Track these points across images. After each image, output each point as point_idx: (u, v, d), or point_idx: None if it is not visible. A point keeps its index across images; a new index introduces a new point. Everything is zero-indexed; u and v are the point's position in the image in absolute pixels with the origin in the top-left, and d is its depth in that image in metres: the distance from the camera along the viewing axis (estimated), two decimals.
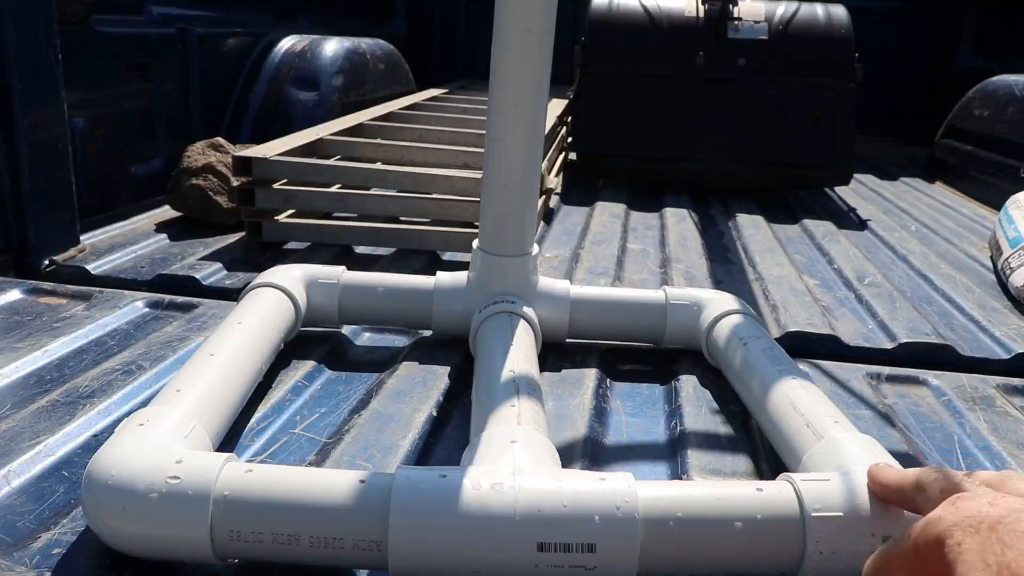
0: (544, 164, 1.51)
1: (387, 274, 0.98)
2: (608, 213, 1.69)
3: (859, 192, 2.14)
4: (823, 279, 1.32)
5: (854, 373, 0.95)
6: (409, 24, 3.11)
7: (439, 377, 0.87)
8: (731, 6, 1.96)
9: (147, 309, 1.02)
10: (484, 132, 0.87)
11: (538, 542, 0.51)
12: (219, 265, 1.19)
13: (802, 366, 0.94)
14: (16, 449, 0.68)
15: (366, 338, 1.00)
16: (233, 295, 1.06)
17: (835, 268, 1.38)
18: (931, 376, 0.95)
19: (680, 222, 1.65)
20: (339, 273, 0.95)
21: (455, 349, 0.93)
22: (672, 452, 0.76)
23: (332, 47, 1.96)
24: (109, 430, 0.69)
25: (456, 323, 0.93)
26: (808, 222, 1.71)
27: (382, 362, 0.92)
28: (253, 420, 0.76)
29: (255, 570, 0.56)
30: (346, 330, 0.99)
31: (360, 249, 1.32)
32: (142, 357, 0.87)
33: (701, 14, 1.97)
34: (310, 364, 0.89)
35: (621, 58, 1.98)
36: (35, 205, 1.15)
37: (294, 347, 0.91)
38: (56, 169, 1.18)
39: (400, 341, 0.98)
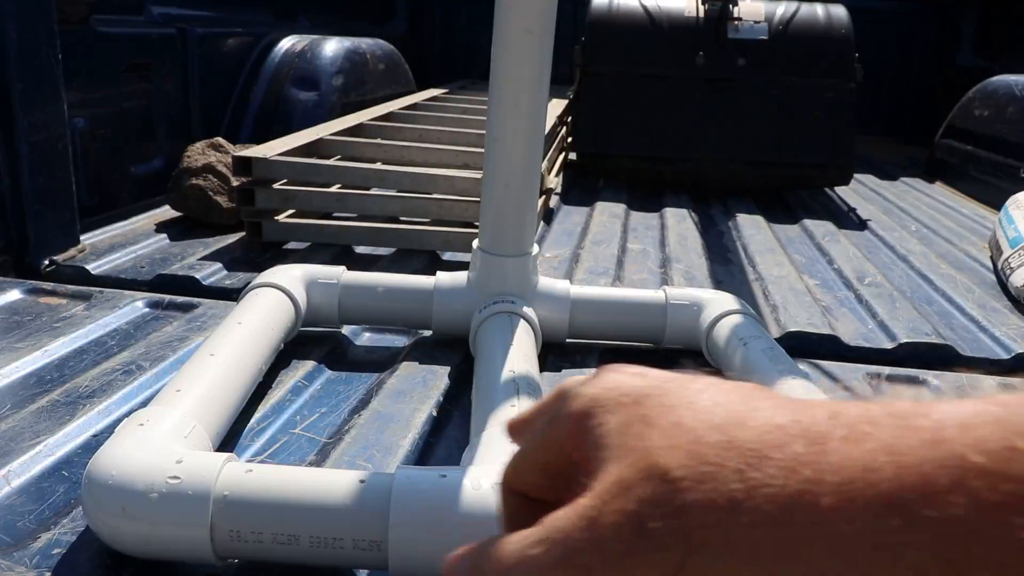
0: (544, 164, 1.51)
1: (387, 274, 0.98)
2: (608, 213, 1.69)
3: (859, 192, 2.14)
4: (823, 279, 1.32)
5: (854, 373, 0.95)
6: (409, 24, 3.11)
7: (439, 377, 0.87)
8: (731, 6, 1.96)
9: (147, 309, 1.02)
10: (484, 132, 0.87)
11: None
12: (219, 265, 1.19)
13: (802, 366, 0.94)
14: (16, 449, 0.68)
15: (366, 338, 1.00)
16: (233, 295, 1.06)
17: (835, 268, 1.38)
18: (931, 376, 0.95)
19: (680, 222, 1.65)
20: (339, 273, 0.95)
21: (455, 349, 0.93)
22: None
23: (332, 47, 1.96)
24: (109, 430, 0.69)
25: (456, 323, 0.93)
26: (808, 222, 1.71)
27: (382, 362, 0.92)
28: (253, 420, 0.76)
29: (255, 570, 0.56)
30: (346, 330, 0.99)
31: (360, 249, 1.32)
32: (142, 357, 0.87)
33: (701, 14, 1.97)
34: (310, 364, 0.89)
35: (621, 58, 1.98)
36: (35, 205, 1.15)
37: (294, 347, 0.91)
38: (56, 169, 1.18)
39: (400, 341, 0.98)
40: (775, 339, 0.94)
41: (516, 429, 0.34)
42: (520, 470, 0.31)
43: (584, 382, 0.29)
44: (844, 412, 0.23)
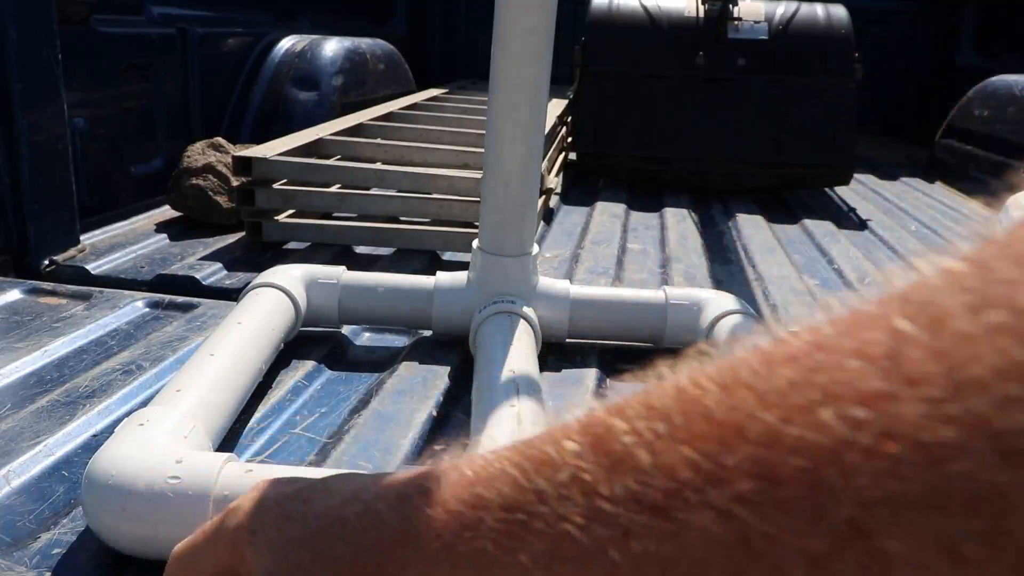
0: (544, 164, 1.51)
1: (387, 274, 0.98)
2: (608, 213, 1.69)
3: (859, 192, 2.14)
4: (823, 279, 1.32)
5: None
6: (409, 24, 3.11)
7: (439, 377, 0.87)
8: (731, 6, 1.96)
9: (147, 309, 1.01)
10: (484, 132, 0.87)
11: None
12: (219, 265, 1.19)
13: None
14: (16, 449, 0.68)
15: (366, 338, 1.00)
16: (233, 295, 1.06)
17: (835, 268, 1.38)
18: None
19: (680, 222, 1.65)
20: (339, 273, 0.95)
21: (455, 349, 0.93)
22: None
23: (332, 47, 1.96)
24: (109, 430, 0.69)
25: (456, 323, 0.93)
26: (808, 222, 1.71)
27: (382, 362, 0.92)
28: (253, 420, 0.76)
29: None
30: (346, 330, 0.99)
31: (360, 249, 1.32)
32: (142, 357, 0.87)
33: (701, 14, 1.97)
34: (310, 364, 0.89)
35: (621, 58, 1.98)
36: (35, 205, 1.15)
37: (294, 347, 0.91)
38: (56, 169, 1.18)
39: (400, 341, 0.98)
40: None
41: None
42: (193, 570, 0.34)
43: (241, 497, 0.33)
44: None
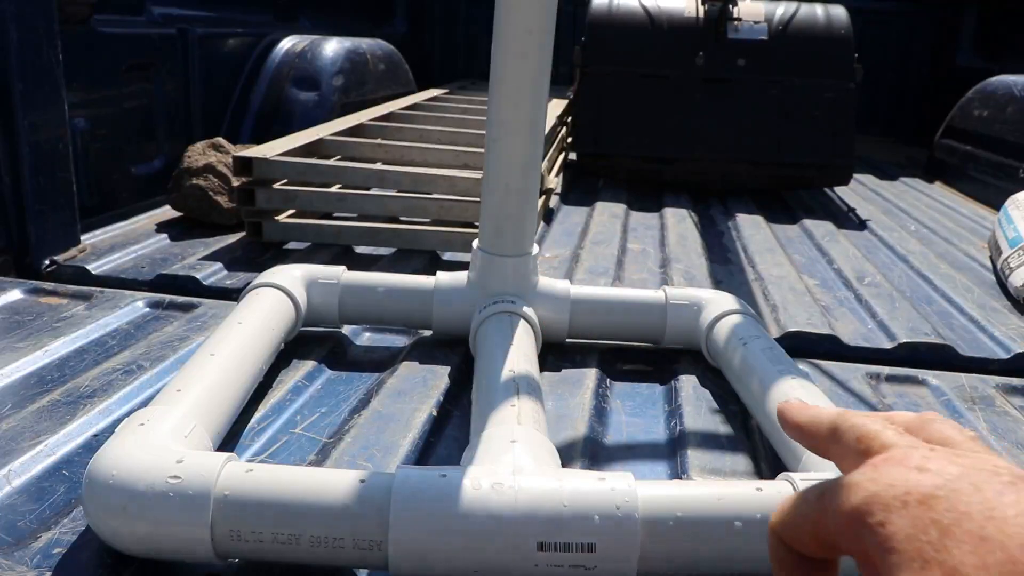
0: (544, 164, 1.51)
1: (387, 274, 0.98)
2: (608, 213, 1.69)
3: (859, 192, 2.14)
4: (823, 279, 1.32)
5: (854, 373, 0.95)
6: (409, 24, 3.11)
7: (439, 377, 0.87)
8: (731, 6, 1.96)
9: (147, 309, 1.02)
10: (484, 132, 0.87)
11: (538, 541, 0.51)
12: (219, 265, 1.19)
13: (802, 366, 0.94)
14: (17, 449, 0.68)
15: (366, 338, 1.00)
16: (233, 295, 1.06)
17: (835, 268, 1.38)
18: (930, 376, 0.95)
19: (680, 222, 1.65)
20: (339, 273, 0.95)
21: (455, 349, 0.93)
22: (672, 452, 0.76)
23: (332, 47, 1.96)
24: (109, 430, 0.69)
25: (456, 323, 0.93)
26: (808, 222, 1.71)
27: (382, 362, 0.92)
28: (253, 420, 0.77)
29: (255, 570, 0.56)
30: (346, 330, 1.00)
31: (360, 249, 1.32)
32: (142, 357, 0.87)
33: (701, 14, 1.97)
34: (310, 364, 0.89)
35: (621, 58, 1.98)
36: (35, 205, 1.15)
37: (294, 347, 0.92)
38: (56, 169, 1.19)
39: (400, 341, 0.99)
40: (775, 339, 0.94)
41: (794, 424, 0.40)
42: (791, 535, 0.33)
43: (862, 471, 0.30)
44: None
